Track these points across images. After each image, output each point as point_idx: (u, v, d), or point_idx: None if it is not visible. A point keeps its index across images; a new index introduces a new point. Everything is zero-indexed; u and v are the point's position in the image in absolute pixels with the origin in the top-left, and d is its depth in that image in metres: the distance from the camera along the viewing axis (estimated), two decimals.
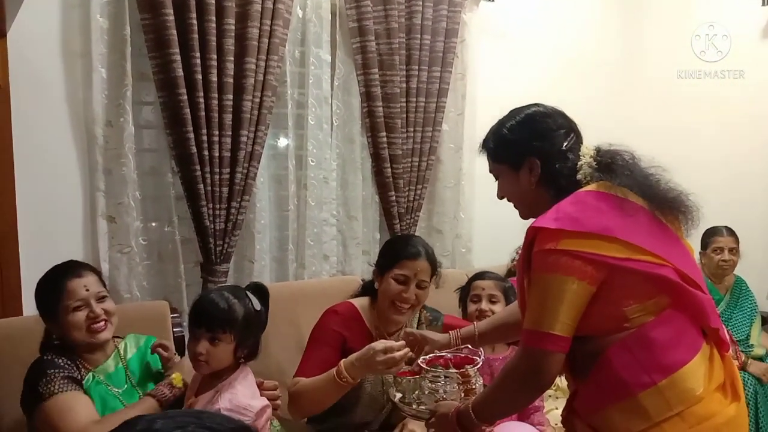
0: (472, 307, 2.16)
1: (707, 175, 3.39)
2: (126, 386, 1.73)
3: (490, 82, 3.16)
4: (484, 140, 1.53)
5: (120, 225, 2.29)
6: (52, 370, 1.61)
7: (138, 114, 2.38)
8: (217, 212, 2.39)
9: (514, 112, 1.49)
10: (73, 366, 1.67)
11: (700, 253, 3.10)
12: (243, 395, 1.58)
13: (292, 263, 2.74)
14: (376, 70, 2.77)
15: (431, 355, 1.74)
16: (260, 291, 1.69)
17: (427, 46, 2.88)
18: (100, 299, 1.69)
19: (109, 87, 2.24)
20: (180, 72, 2.23)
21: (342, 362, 1.74)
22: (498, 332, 1.82)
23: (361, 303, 2.01)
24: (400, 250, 1.96)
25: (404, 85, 2.86)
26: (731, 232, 3.06)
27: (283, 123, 2.68)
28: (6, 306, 2.12)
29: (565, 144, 1.41)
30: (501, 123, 1.49)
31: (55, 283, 1.67)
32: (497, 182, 1.52)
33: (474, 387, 1.61)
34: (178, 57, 2.23)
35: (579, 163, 1.39)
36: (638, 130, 3.32)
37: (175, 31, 2.22)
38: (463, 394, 1.60)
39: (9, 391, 1.94)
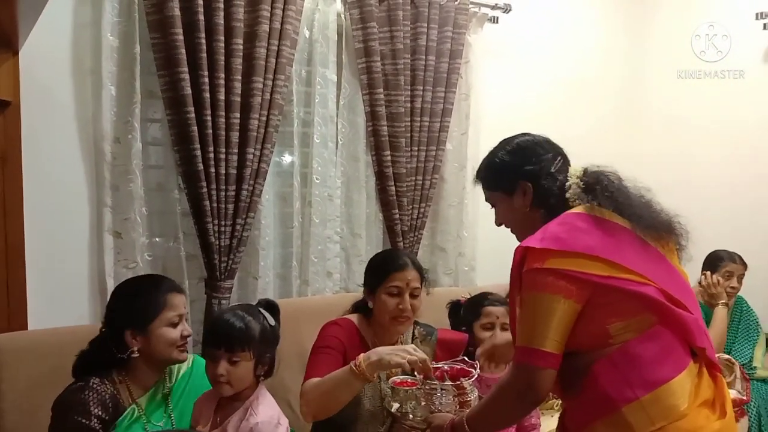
0: (484, 334, 2.14)
1: (706, 177, 3.43)
2: (164, 420, 1.67)
3: (493, 103, 3.20)
4: (478, 171, 1.62)
5: (126, 240, 2.30)
6: (82, 418, 1.54)
7: (145, 131, 2.40)
8: (222, 229, 2.41)
9: (503, 143, 1.58)
10: (114, 397, 1.61)
11: (703, 273, 3.07)
12: (274, 406, 1.62)
13: (296, 280, 2.75)
14: (382, 90, 2.80)
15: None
16: (272, 307, 1.72)
17: (432, 66, 2.92)
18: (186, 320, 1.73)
19: (118, 104, 2.27)
20: (188, 90, 2.27)
21: (360, 355, 1.73)
22: None
23: (357, 319, 2.03)
24: (389, 264, 2.00)
25: (409, 104, 2.89)
26: (742, 260, 3.04)
27: (288, 141, 2.71)
28: (12, 320, 2.13)
29: (553, 167, 1.48)
30: (493, 153, 1.58)
31: (159, 293, 1.66)
32: (494, 210, 1.60)
33: (469, 399, 1.64)
34: (186, 76, 2.26)
35: (567, 183, 1.46)
36: (637, 131, 3.34)
37: (184, 51, 2.25)
38: (458, 406, 1.62)
39: (12, 405, 1.95)
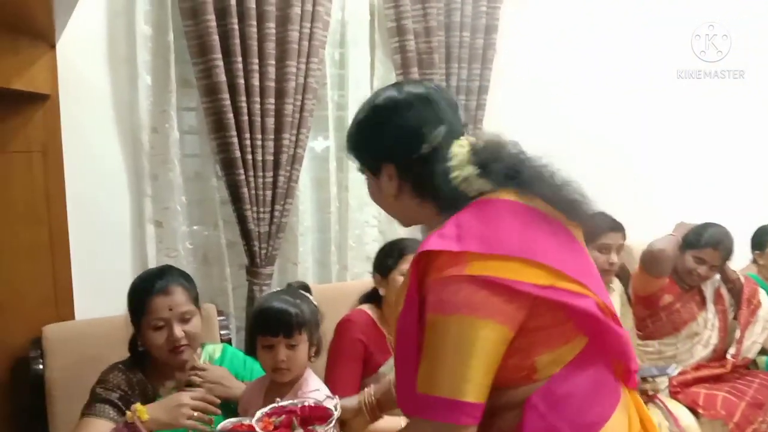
0: None
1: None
2: None
3: (531, 78, 3.12)
4: (346, 138, 1.20)
5: (167, 229, 2.33)
6: (102, 389, 1.60)
7: (181, 120, 2.40)
8: (261, 215, 2.40)
9: (367, 101, 1.16)
10: (142, 382, 1.63)
11: (756, 253, 3.02)
12: (322, 385, 1.62)
13: (335, 265, 2.74)
14: (416, 69, 2.74)
15: (271, 406, 1.36)
16: (306, 289, 1.73)
17: (467, 43, 2.84)
18: (184, 320, 1.63)
19: (154, 93, 2.28)
20: (223, 77, 2.25)
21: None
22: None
23: (370, 309, 2.04)
24: (401, 249, 2.00)
25: (444, 83, 2.83)
26: None
27: (323, 125, 2.68)
28: (59, 310, 2.17)
29: (424, 145, 1.07)
30: (355, 115, 1.18)
31: (142, 296, 1.62)
32: None
33: None
34: (220, 62, 2.24)
35: (455, 171, 1.05)
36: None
37: (217, 37, 2.23)
38: None
39: (60, 392, 2.00)
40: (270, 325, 1.57)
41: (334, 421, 1.29)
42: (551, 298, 0.97)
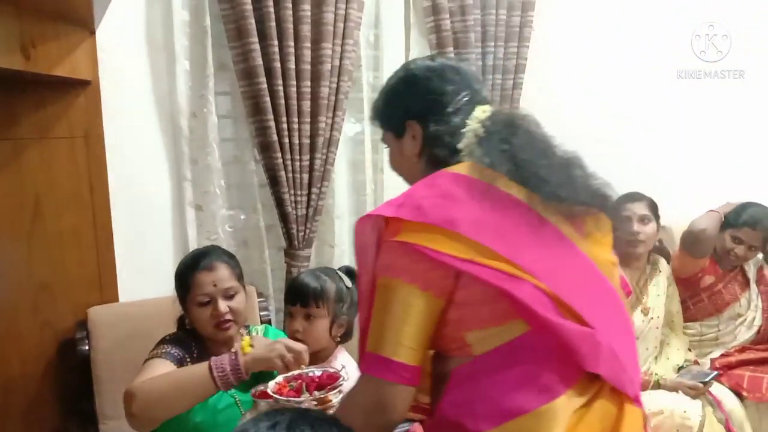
0: None
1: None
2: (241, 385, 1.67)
3: (569, 56, 3.05)
4: (374, 103, 1.28)
5: (207, 213, 2.35)
6: (162, 344, 1.65)
7: (218, 104, 2.41)
8: (299, 198, 2.41)
9: (400, 68, 1.25)
10: (198, 359, 1.64)
11: None
12: (351, 362, 1.63)
13: None
14: (451, 48, 2.70)
15: (291, 373, 1.44)
16: (351, 274, 1.75)
17: (503, 21, 2.80)
18: (229, 296, 1.66)
19: (192, 78, 2.29)
20: (259, 61, 2.25)
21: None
22: None
23: None
24: None
25: (480, 62, 2.79)
26: None
27: (358, 107, 2.67)
28: (104, 293, 2.22)
29: (452, 104, 1.15)
30: (387, 81, 1.26)
31: (187, 273, 1.67)
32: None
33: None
34: (257, 46, 2.24)
35: (466, 129, 1.12)
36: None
37: (253, 20, 2.23)
38: None
39: (109, 372, 2.05)
40: (290, 295, 1.65)
41: (339, 388, 1.36)
42: (470, 273, 0.98)
